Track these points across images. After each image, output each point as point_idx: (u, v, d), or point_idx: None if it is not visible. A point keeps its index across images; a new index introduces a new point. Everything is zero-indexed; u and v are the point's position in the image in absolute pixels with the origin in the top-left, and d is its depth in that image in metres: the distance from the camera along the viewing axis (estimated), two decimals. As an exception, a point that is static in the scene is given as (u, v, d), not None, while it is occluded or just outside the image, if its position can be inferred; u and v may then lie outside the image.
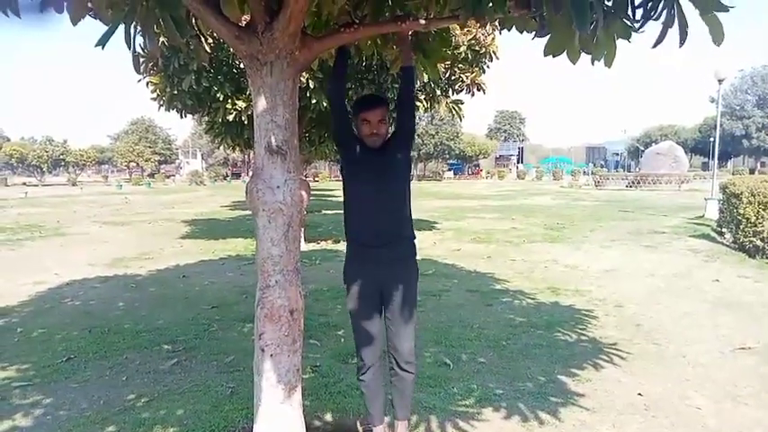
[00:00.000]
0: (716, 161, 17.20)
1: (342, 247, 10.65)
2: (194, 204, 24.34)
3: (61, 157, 59.99)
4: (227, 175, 59.80)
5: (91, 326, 5.49)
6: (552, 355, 4.48)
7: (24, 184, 50.22)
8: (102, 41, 2.06)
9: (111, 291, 7.18)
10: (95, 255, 10.19)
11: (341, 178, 2.70)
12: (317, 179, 54.00)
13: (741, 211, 9.03)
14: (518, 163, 67.69)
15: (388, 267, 2.62)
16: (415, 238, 2.75)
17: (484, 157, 64.79)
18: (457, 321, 5.47)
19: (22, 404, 3.63)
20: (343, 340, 4.89)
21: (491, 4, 2.07)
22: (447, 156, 60.80)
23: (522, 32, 2.29)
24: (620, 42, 2.38)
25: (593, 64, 2.57)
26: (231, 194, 31.66)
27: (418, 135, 56.37)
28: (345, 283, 2.70)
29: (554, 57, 2.52)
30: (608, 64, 2.49)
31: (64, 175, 62.48)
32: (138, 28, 2.11)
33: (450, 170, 62.95)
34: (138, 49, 3.56)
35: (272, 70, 2.08)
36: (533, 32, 2.44)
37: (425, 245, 10.65)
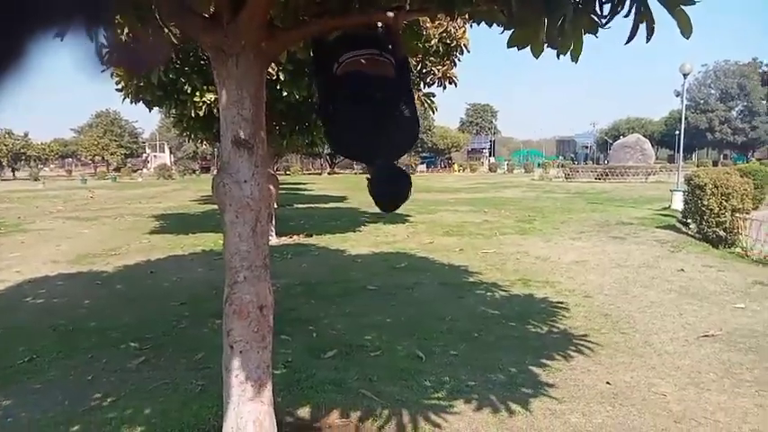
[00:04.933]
0: (681, 154, 17.64)
1: (314, 240, 10.59)
2: (162, 199, 23.85)
3: (22, 150, 58.03)
4: (197, 169, 58.78)
5: (55, 325, 5.33)
6: (524, 346, 4.54)
7: (-17, 178, 48.48)
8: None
9: (76, 288, 6.99)
10: (59, 251, 9.91)
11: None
12: (288, 173, 53.49)
13: (705, 203, 9.27)
14: (490, 156, 68.24)
15: None
16: None
17: (456, 151, 65.10)
18: (429, 314, 5.49)
19: (-18, 407, 3.51)
20: (315, 335, 4.87)
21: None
22: (420, 149, 60.93)
23: (491, 26, 2.28)
24: (589, 37, 2.41)
25: (558, 58, 2.60)
26: (201, 189, 31.11)
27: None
28: None
29: (518, 49, 2.53)
30: (574, 59, 2.52)
31: (25, 169, 60.48)
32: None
33: (422, 163, 63.08)
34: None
35: (238, 62, 2.03)
36: (503, 26, 2.45)
37: (398, 238, 10.67)
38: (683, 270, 7.39)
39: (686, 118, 28.27)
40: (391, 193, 2.07)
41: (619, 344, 4.60)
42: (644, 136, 40.61)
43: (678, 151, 19.18)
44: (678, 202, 13.22)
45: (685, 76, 16.16)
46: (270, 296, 2.25)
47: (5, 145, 56.33)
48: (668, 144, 63.91)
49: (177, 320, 5.42)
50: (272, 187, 2.18)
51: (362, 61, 2.07)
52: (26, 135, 59.50)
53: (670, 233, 10.53)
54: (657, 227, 11.37)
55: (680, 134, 16.50)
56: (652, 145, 37.72)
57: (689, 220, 10.58)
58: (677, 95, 55.73)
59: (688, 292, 6.25)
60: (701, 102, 60.91)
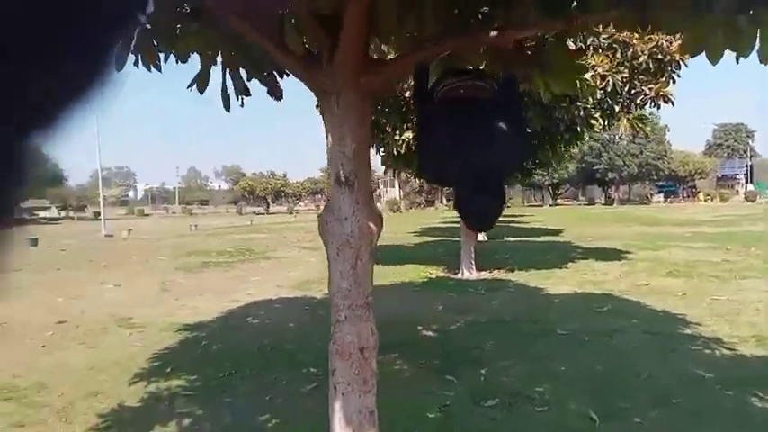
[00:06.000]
0: None
1: (514, 276, 10.16)
2: (385, 230, 25.54)
3: (281, 189, 68.63)
4: (422, 203, 62.15)
5: (259, 344, 5.98)
6: (740, 423, 3.62)
7: (254, 213, 58.41)
8: (193, 83, 2.25)
9: (288, 312, 7.80)
10: (287, 277, 11.25)
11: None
12: (508, 205, 53.06)
13: None
14: (747, 183, 58.12)
15: None
16: None
17: (702, 178, 56.98)
18: (623, 367, 4.76)
19: (181, 412, 4.07)
20: (483, 379, 4.58)
21: (575, 4, 1.76)
22: (654, 177, 54.87)
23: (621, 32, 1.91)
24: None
25: (737, 62, 2.13)
26: (421, 221, 32.64)
27: (618, 155, 51.77)
28: None
29: (692, 57, 2.16)
30: (763, 60, 2.05)
31: (283, 204, 71.33)
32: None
33: (659, 193, 56.70)
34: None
35: (339, 100, 2.04)
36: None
37: (609, 277, 9.62)
38: None
39: None
40: (478, 206, 1.94)
41: None
42: None
43: None
44: None
45: None
46: (372, 338, 2.17)
47: (270, 184, 67.33)
48: None
49: (358, 349, 5.63)
50: (372, 225, 2.11)
51: (461, 90, 1.92)
52: (285, 175, 70.41)
53: None
54: None
55: None
56: None
57: None
58: None
59: None
60: None
